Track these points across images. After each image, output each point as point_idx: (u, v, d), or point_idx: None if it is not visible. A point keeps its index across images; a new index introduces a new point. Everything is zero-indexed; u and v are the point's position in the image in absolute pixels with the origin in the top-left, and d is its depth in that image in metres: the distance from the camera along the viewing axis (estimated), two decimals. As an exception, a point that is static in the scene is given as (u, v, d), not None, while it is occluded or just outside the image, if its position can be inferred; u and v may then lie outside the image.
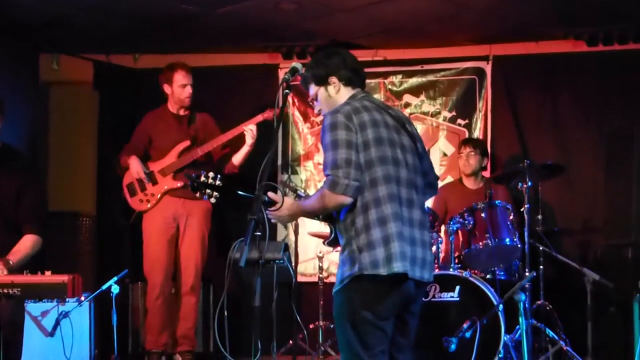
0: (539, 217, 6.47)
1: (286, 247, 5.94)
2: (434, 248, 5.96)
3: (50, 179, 7.40)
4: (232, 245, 3.83)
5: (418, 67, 7.55)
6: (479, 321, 5.36)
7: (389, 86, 7.58)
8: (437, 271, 5.83)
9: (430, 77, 7.54)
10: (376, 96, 6.97)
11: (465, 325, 5.36)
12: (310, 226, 6.53)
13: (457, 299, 5.72)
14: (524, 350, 4.91)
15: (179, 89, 6.51)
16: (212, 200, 3.73)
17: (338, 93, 3.80)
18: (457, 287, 5.72)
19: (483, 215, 6.05)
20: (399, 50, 7.56)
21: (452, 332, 5.37)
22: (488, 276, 6.15)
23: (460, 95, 7.47)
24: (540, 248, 6.33)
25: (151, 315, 6.53)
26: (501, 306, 5.46)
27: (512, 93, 7.37)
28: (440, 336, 5.39)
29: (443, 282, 5.72)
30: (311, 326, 6.79)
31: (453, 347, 5.31)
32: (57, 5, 6.39)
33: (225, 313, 3.75)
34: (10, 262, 4.43)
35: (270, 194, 3.63)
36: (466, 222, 6.06)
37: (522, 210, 6.16)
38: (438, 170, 7.25)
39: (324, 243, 3.90)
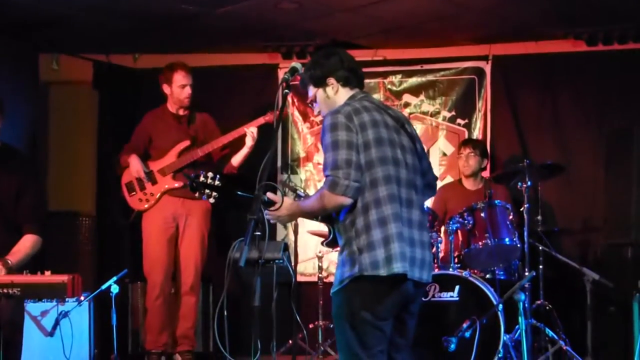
0: (539, 216, 6.48)
1: (286, 247, 5.93)
2: (433, 248, 5.96)
3: (50, 178, 7.40)
4: (232, 245, 3.83)
5: (417, 67, 7.56)
6: (479, 321, 5.36)
7: (389, 86, 7.58)
8: (436, 271, 5.84)
9: (430, 77, 7.54)
10: (376, 96, 7.00)
11: (464, 325, 5.36)
12: (310, 225, 6.52)
13: (457, 298, 5.72)
14: (524, 350, 4.91)
15: (178, 89, 6.51)
16: (211, 200, 3.73)
17: (337, 94, 3.79)
18: (457, 287, 5.73)
19: (483, 215, 6.05)
20: (398, 50, 7.56)
21: (451, 332, 5.36)
22: (488, 276, 6.15)
23: (459, 95, 7.48)
24: (540, 248, 6.33)
25: (151, 315, 6.53)
26: (501, 306, 5.46)
27: (512, 93, 7.37)
28: (439, 336, 5.39)
29: (443, 282, 5.72)
30: (311, 326, 6.80)
31: (453, 346, 5.31)
32: (57, 5, 6.39)
33: (225, 313, 3.75)
34: (10, 262, 4.42)
35: (270, 194, 3.63)
36: (466, 221, 6.06)
37: (521, 210, 6.16)
38: (437, 170, 7.26)
39: (322, 244, 3.90)
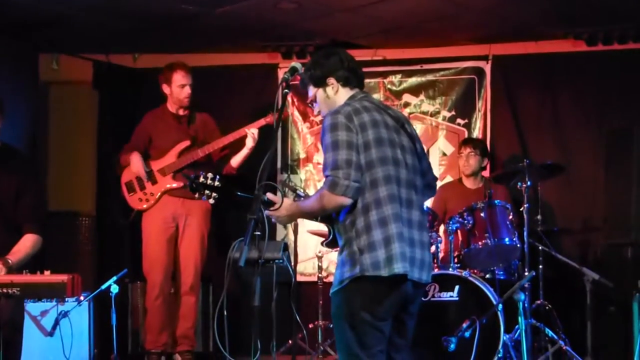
0: (539, 216, 6.47)
1: (285, 247, 5.94)
2: (433, 248, 5.96)
3: (50, 178, 7.40)
4: (232, 245, 3.83)
5: (417, 67, 7.56)
6: (479, 321, 5.36)
7: (389, 86, 7.58)
8: (436, 271, 5.84)
9: (430, 77, 7.54)
10: (375, 96, 7.00)
11: (464, 325, 5.36)
12: (310, 224, 6.52)
13: (457, 298, 5.72)
14: (523, 349, 4.91)
15: (178, 89, 6.51)
16: (211, 201, 3.73)
17: (337, 94, 3.79)
18: (457, 287, 5.73)
19: (482, 214, 6.06)
20: (398, 49, 7.56)
21: (451, 332, 5.37)
22: (487, 276, 6.15)
23: (459, 94, 7.48)
24: (540, 248, 6.33)
25: (151, 315, 6.53)
26: (500, 306, 5.46)
27: (512, 93, 7.37)
28: (439, 336, 5.39)
29: (442, 282, 5.72)
30: (310, 326, 6.80)
31: (452, 346, 5.31)
32: (57, 5, 6.39)
33: (225, 313, 3.74)
34: (10, 262, 4.42)
35: (269, 195, 3.63)
36: (465, 221, 6.06)
37: (521, 209, 6.16)
38: (437, 170, 7.26)
39: (322, 244, 3.90)
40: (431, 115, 7.53)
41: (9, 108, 4.78)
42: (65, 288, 4.25)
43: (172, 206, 6.51)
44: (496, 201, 6.13)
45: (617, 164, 6.56)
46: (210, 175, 3.74)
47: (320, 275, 6.91)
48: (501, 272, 6.23)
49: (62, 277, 4.26)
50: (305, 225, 6.68)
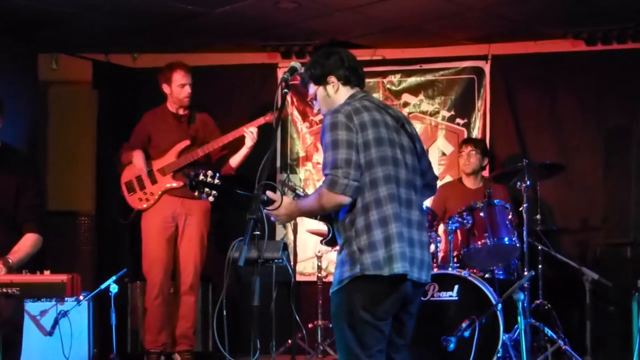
0: (538, 216, 6.47)
1: (285, 247, 5.94)
2: (432, 247, 5.96)
3: (49, 178, 7.39)
4: (231, 245, 3.83)
5: (417, 67, 7.56)
6: (478, 320, 5.36)
7: (388, 85, 7.58)
8: (436, 270, 5.84)
9: (429, 77, 7.54)
10: (375, 96, 6.98)
11: (464, 325, 5.37)
12: (309, 224, 6.53)
13: (456, 298, 5.72)
14: (523, 349, 4.90)
15: (178, 89, 6.51)
16: (211, 199, 3.73)
17: (337, 92, 3.79)
18: (456, 287, 5.73)
19: (482, 214, 6.06)
20: (397, 49, 7.57)
21: (451, 332, 5.37)
22: (487, 275, 6.16)
23: (459, 94, 7.48)
24: (539, 247, 6.33)
25: (150, 314, 6.53)
26: (500, 305, 5.46)
27: (511, 92, 7.37)
28: (439, 335, 5.40)
29: (442, 282, 5.72)
30: (310, 325, 6.81)
31: (452, 346, 5.32)
32: (56, 5, 6.39)
33: (225, 312, 3.74)
34: (10, 261, 4.41)
35: (269, 193, 3.63)
36: (465, 221, 6.06)
37: (520, 209, 6.17)
38: (437, 169, 7.25)
39: (321, 242, 3.90)
40: (430, 115, 7.53)
41: (8, 108, 4.78)
42: (64, 288, 4.25)
43: (172, 206, 6.51)
44: (495, 201, 6.14)
45: (616, 163, 6.58)
46: (210, 173, 3.73)
47: (319, 274, 6.92)
48: (500, 272, 6.23)
49: (62, 277, 4.26)
50: (305, 225, 6.69)
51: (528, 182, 6.13)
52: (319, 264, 6.91)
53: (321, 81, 3.81)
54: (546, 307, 6.23)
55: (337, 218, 3.65)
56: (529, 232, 6.10)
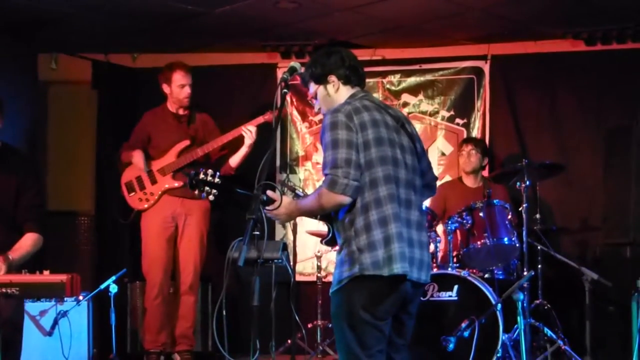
0: (538, 216, 6.47)
1: (285, 247, 5.95)
2: (432, 247, 5.97)
3: (49, 178, 7.39)
4: (231, 245, 3.83)
5: (416, 67, 7.56)
6: (478, 320, 5.36)
7: (387, 85, 7.58)
8: (435, 270, 5.84)
9: (429, 77, 7.54)
10: (374, 95, 6.99)
11: (463, 325, 5.37)
12: (309, 225, 6.53)
13: (456, 298, 5.72)
14: (522, 349, 4.91)
15: (178, 89, 6.51)
16: (211, 198, 3.72)
17: (337, 92, 3.79)
18: (456, 287, 5.73)
19: (481, 214, 6.06)
20: (397, 49, 7.57)
21: (450, 332, 5.37)
22: (486, 275, 6.15)
23: (458, 94, 7.48)
24: (539, 247, 6.33)
25: (150, 314, 6.53)
26: (499, 305, 5.46)
27: (511, 92, 7.37)
28: (438, 335, 5.40)
29: (441, 282, 5.72)
30: (310, 325, 6.81)
31: (451, 346, 5.32)
32: (56, 5, 6.39)
33: (224, 312, 3.74)
34: (10, 258, 4.41)
35: (269, 193, 3.63)
36: (464, 221, 6.06)
37: (520, 209, 6.17)
38: (436, 169, 7.25)
39: (321, 242, 3.90)
40: (430, 115, 7.53)
41: (7, 108, 4.78)
42: (64, 288, 4.25)
43: (172, 206, 6.51)
44: (495, 201, 6.14)
45: (616, 163, 6.56)
46: (210, 172, 3.73)
47: (319, 274, 6.92)
48: (500, 272, 6.23)
49: (61, 277, 4.26)
50: (305, 226, 6.69)
51: (528, 182, 6.13)
52: (319, 264, 6.92)
53: (322, 80, 3.80)
54: (546, 307, 6.23)
55: (336, 218, 3.65)
56: (529, 232, 6.10)
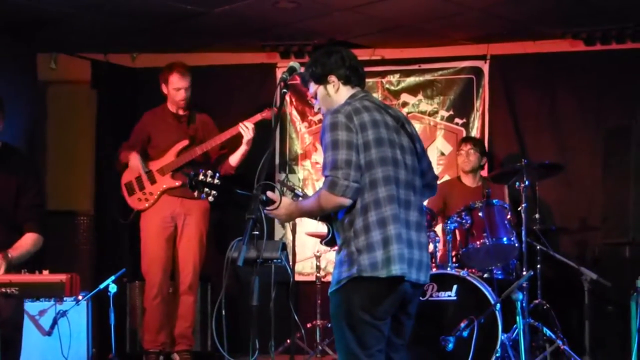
0: (537, 216, 6.48)
1: (284, 247, 5.95)
2: (431, 246, 5.97)
3: (48, 178, 7.38)
4: (230, 245, 3.83)
5: (416, 67, 7.56)
6: (477, 320, 5.37)
7: (387, 85, 7.59)
8: (434, 270, 5.84)
9: (428, 77, 7.54)
10: (374, 95, 7.00)
11: (462, 324, 5.37)
12: (308, 226, 6.53)
13: (455, 298, 5.72)
14: (521, 349, 4.91)
15: (174, 92, 6.51)
16: (210, 199, 3.72)
17: (337, 92, 3.78)
18: (455, 286, 5.73)
19: (480, 214, 6.06)
20: (396, 49, 7.57)
21: (449, 331, 5.37)
22: (485, 275, 6.16)
23: (457, 94, 7.48)
24: (538, 247, 6.34)
25: (149, 314, 6.53)
26: (498, 305, 5.47)
27: (510, 92, 7.37)
28: (437, 335, 5.40)
29: (440, 281, 5.73)
30: (309, 325, 6.81)
31: (450, 346, 5.32)
32: (56, 5, 6.39)
33: (223, 312, 3.75)
34: (10, 256, 4.41)
35: (269, 193, 3.63)
36: (464, 221, 6.07)
37: (519, 209, 6.17)
38: (435, 169, 7.23)
39: (321, 242, 3.90)
40: (429, 115, 7.53)
41: (6, 107, 4.78)
42: (63, 287, 4.25)
43: (171, 206, 6.51)
44: (494, 201, 6.14)
45: (615, 163, 6.56)
46: (209, 172, 3.73)
47: (318, 274, 6.92)
48: (499, 272, 6.23)
49: (61, 277, 4.26)
50: (304, 226, 6.69)
51: (527, 182, 6.14)
52: (318, 263, 6.92)
53: (322, 80, 3.80)
54: (545, 307, 6.24)
55: (336, 218, 3.65)
56: (528, 232, 6.10)
